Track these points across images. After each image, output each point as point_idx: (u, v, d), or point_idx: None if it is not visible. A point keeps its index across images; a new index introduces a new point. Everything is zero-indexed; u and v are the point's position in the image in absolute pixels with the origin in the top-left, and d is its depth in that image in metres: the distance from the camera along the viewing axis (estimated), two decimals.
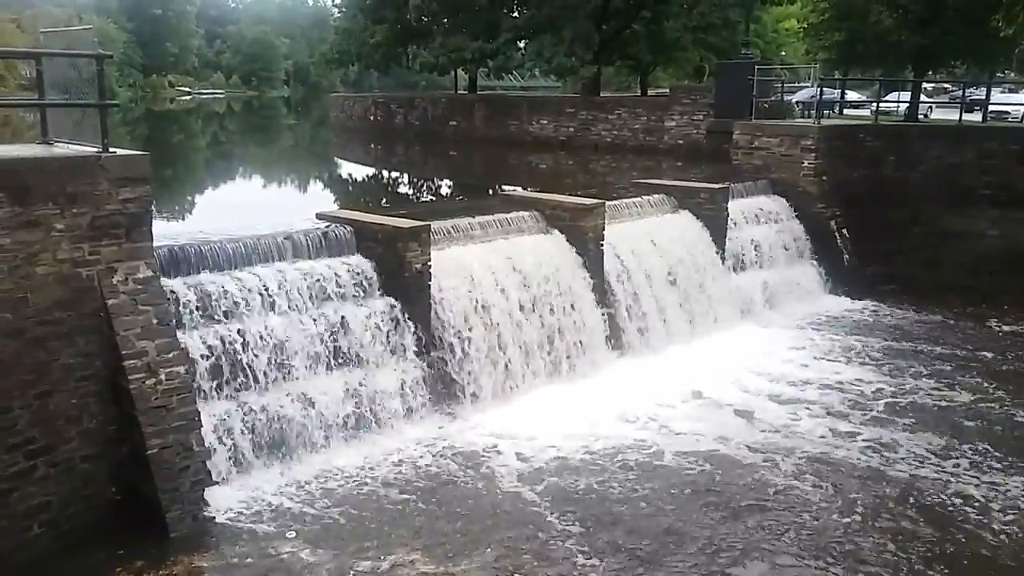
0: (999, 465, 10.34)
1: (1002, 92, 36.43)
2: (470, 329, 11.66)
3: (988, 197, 19.30)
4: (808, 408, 12.12)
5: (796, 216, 18.48)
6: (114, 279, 8.60)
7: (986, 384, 13.24)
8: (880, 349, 14.86)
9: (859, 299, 17.90)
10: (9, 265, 7.95)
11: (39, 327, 8.14)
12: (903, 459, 10.49)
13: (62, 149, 8.99)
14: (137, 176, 8.74)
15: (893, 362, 14.17)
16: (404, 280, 11.14)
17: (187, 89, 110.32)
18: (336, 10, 55.08)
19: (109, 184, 8.52)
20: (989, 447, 10.83)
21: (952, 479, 9.97)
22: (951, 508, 9.30)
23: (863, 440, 11.06)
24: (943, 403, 12.45)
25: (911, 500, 9.46)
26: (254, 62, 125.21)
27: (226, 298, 9.76)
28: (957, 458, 10.55)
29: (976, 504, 9.38)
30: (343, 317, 10.62)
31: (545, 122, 33.88)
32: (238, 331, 9.69)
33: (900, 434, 11.26)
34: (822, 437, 11.14)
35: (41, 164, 8.26)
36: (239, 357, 9.63)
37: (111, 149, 8.69)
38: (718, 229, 16.05)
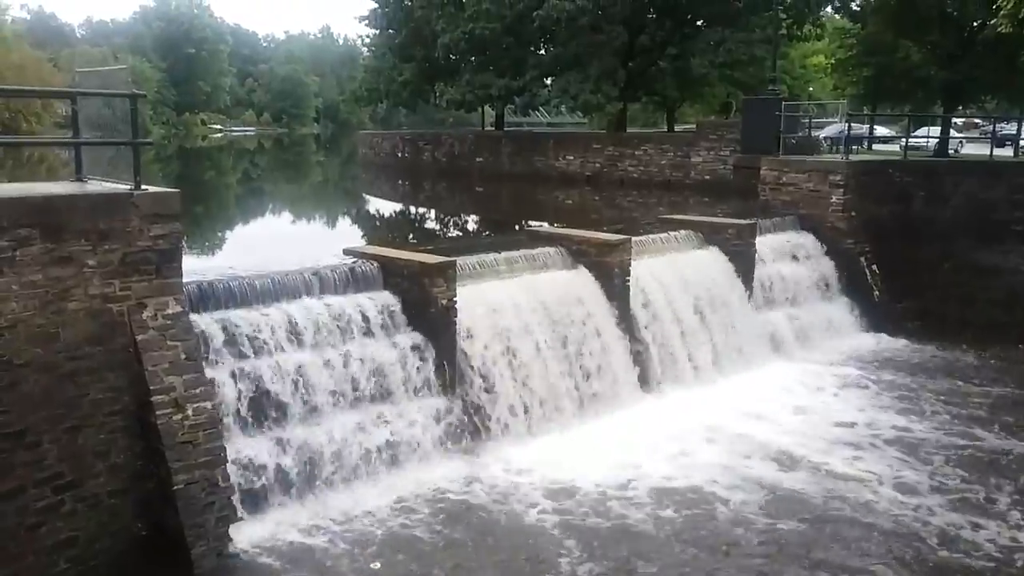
0: None
1: None
2: (496, 365, 11.62)
3: (1021, 233, 19.04)
4: (847, 451, 11.77)
5: (825, 252, 18.33)
6: (144, 315, 8.66)
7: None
8: (914, 386, 14.57)
9: (891, 336, 17.62)
10: (41, 300, 8.04)
11: (69, 362, 8.20)
12: (937, 507, 10.14)
13: (95, 186, 9.11)
14: (168, 213, 8.84)
15: (928, 400, 13.89)
16: (430, 316, 11.13)
17: (219, 127, 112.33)
18: (366, 49, 55.97)
19: (140, 221, 8.62)
20: None
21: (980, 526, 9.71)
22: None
23: (900, 484, 10.72)
24: (987, 446, 12.10)
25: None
26: (285, 100, 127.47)
27: (254, 334, 9.79)
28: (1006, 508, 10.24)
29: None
30: (370, 353, 10.62)
31: (571, 158, 34.05)
32: (265, 367, 9.70)
33: (936, 477, 10.96)
34: (862, 483, 10.75)
35: (74, 201, 8.37)
36: (266, 393, 9.64)
37: (143, 186, 8.80)
38: (746, 265, 15.94)
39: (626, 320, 13.44)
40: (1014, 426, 12.81)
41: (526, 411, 11.81)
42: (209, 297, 9.84)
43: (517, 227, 22.59)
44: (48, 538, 7.96)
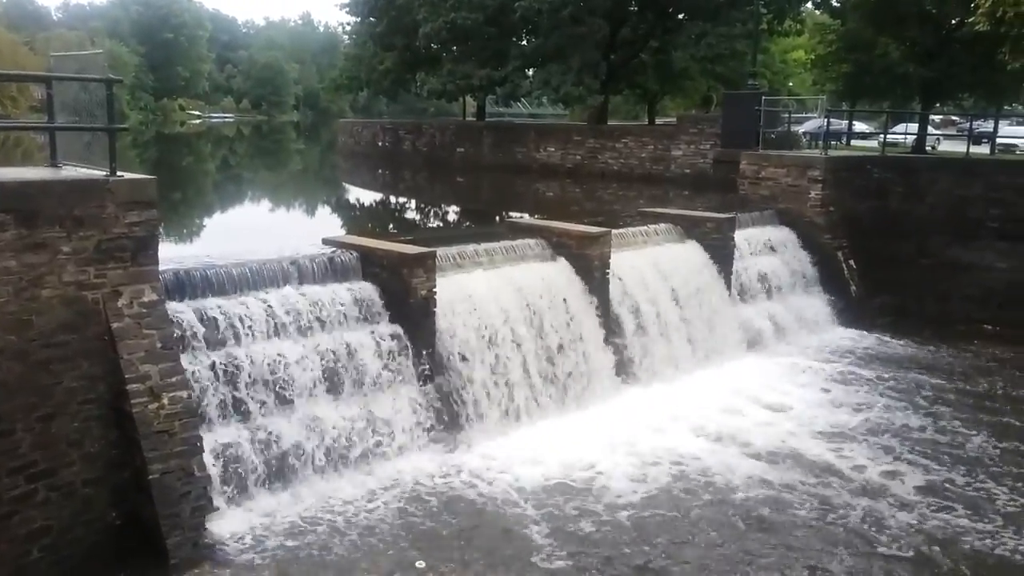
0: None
1: (1010, 125, 36.50)
2: (475, 356, 11.61)
3: (996, 230, 19.25)
4: (821, 444, 11.86)
5: (803, 247, 18.46)
6: (119, 302, 8.57)
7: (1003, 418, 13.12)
8: (887, 380, 14.72)
9: (867, 331, 17.79)
10: (15, 287, 7.94)
11: (43, 350, 8.10)
12: (911, 502, 10.30)
13: (70, 172, 8.99)
14: (144, 200, 8.74)
15: (906, 395, 14.02)
16: (409, 306, 11.10)
17: (197, 113, 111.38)
18: (346, 37, 55.66)
19: (116, 208, 8.52)
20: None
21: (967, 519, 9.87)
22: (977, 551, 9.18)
23: (876, 477, 10.84)
24: (956, 439, 12.26)
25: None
26: (264, 87, 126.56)
27: (231, 323, 9.72)
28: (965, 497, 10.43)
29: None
30: (348, 343, 10.57)
31: (552, 150, 34.02)
32: (242, 356, 9.63)
33: (908, 469, 11.10)
34: (836, 475, 10.88)
35: (48, 187, 8.25)
36: (243, 382, 9.57)
37: (119, 173, 8.70)
38: (724, 259, 16.01)
39: (605, 312, 13.47)
40: (988, 421, 12.97)
41: (505, 403, 11.82)
42: (186, 285, 9.76)
43: (497, 218, 22.57)
44: (21, 527, 7.87)
